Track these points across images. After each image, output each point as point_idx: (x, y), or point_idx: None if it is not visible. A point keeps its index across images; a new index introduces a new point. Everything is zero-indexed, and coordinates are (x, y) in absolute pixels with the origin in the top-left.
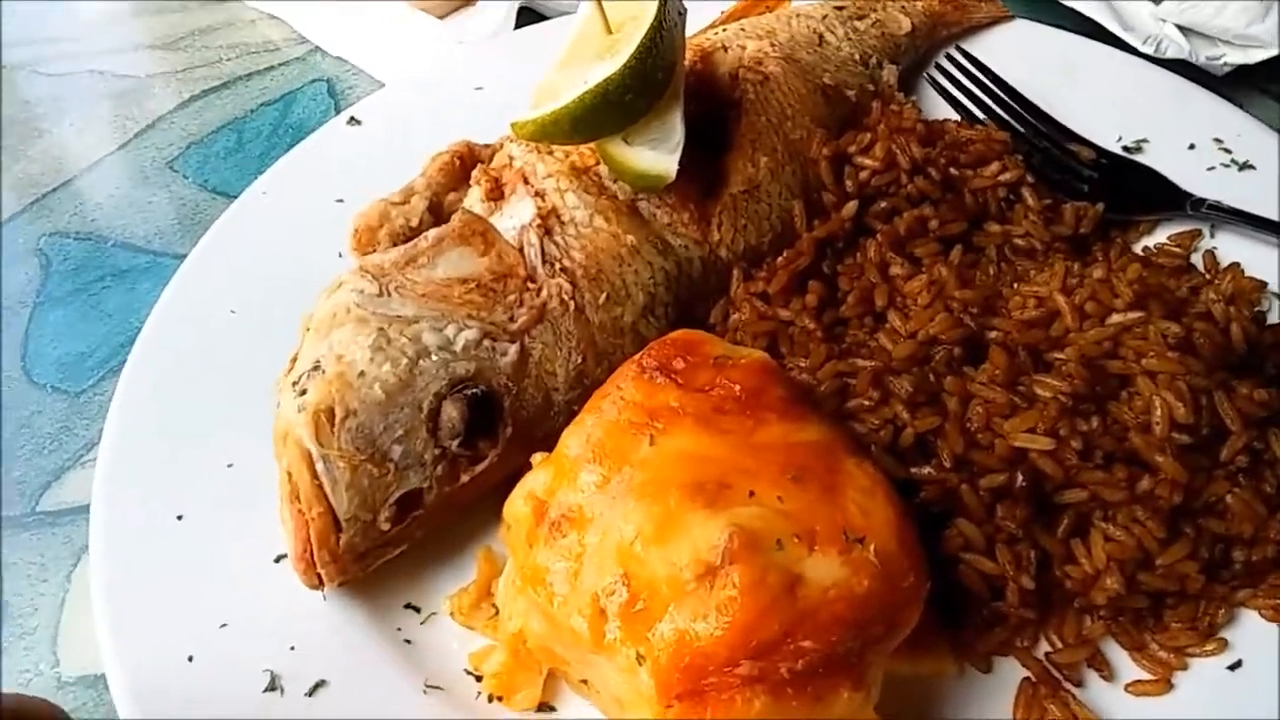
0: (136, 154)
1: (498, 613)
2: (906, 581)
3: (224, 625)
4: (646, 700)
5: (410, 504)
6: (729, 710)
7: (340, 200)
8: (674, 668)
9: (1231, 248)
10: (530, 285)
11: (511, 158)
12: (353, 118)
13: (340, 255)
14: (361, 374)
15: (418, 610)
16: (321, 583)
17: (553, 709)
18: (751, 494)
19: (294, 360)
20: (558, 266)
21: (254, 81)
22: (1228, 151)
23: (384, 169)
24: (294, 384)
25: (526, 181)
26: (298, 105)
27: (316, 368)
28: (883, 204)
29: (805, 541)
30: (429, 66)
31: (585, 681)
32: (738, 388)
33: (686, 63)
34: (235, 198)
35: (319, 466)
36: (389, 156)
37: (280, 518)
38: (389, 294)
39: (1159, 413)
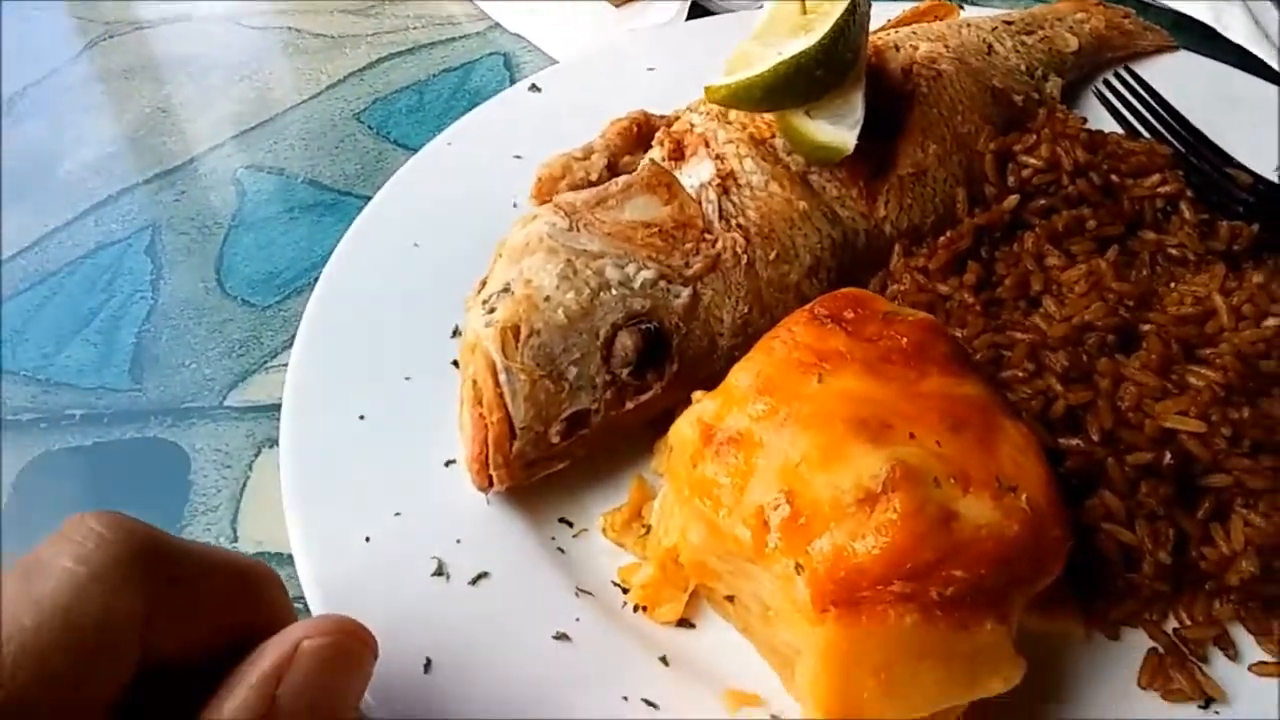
0: (327, 104)
1: (647, 532)
2: (1054, 532)
3: (398, 514)
4: (801, 607)
5: (578, 423)
6: (882, 622)
7: (519, 156)
8: (830, 579)
9: None
10: (707, 236)
11: (692, 125)
12: (534, 85)
13: (515, 205)
14: (548, 298)
15: (570, 524)
16: (491, 484)
17: (692, 625)
18: (912, 435)
19: (483, 282)
20: (734, 222)
21: (436, 50)
22: None
23: (562, 132)
24: (484, 302)
25: (707, 145)
26: (475, 74)
27: (506, 289)
28: (1042, 201)
29: (961, 483)
30: (605, 46)
31: (730, 598)
32: (904, 340)
33: None
34: (415, 150)
35: (502, 377)
36: (567, 121)
37: (459, 422)
38: (578, 229)
39: None
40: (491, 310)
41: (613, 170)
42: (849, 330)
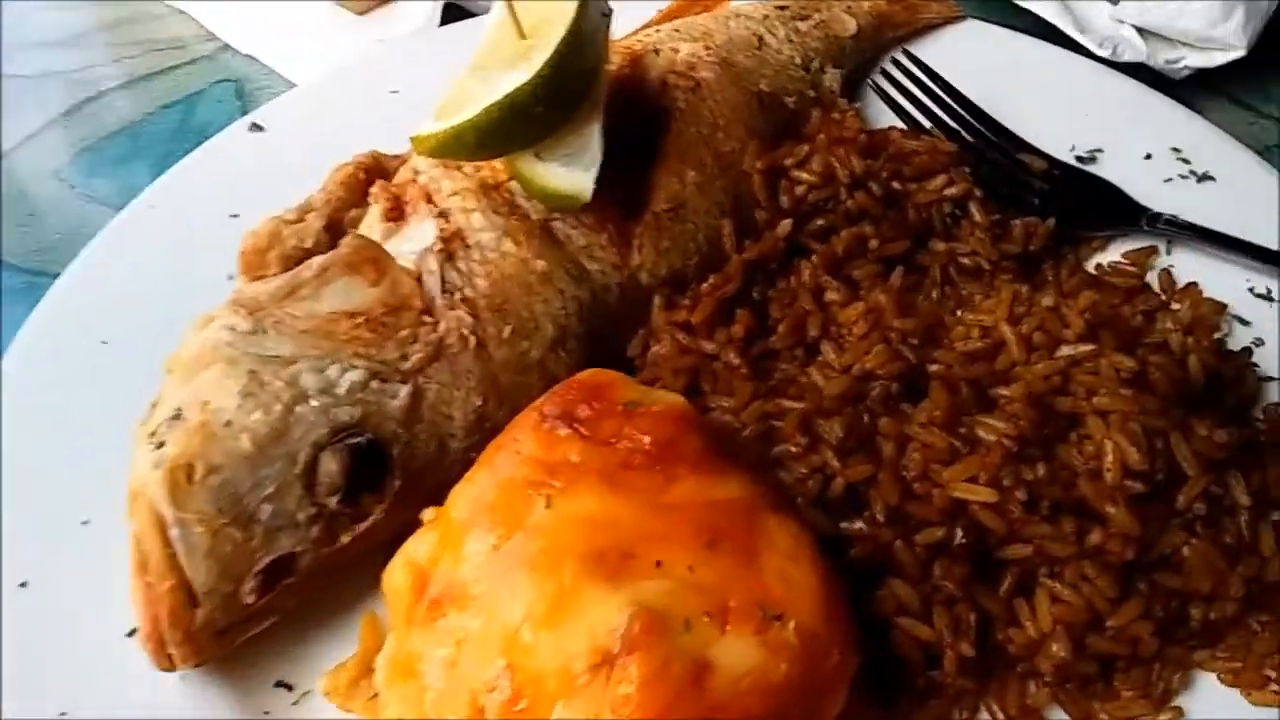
0: (18, 163)
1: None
2: (831, 661)
3: (63, 714)
4: None
5: (280, 571)
6: None
7: (235, 215)
8: None
9: (1189, 265)
10: (427, 319)
11: (416, 172)
12: (255, 124)
13: (230, 278)
14: (228, 423)
15: (290, 688)
16: (173, 663)
17: None
18: (659, 564)
19: (154, 406)
20: (458, 296)
21: (156, 82)
22: (1186, 162)
23: (286, 181)
24: (151, 434)
25: (430, 200)
26: (201, 108)
27: (177, 416)
28: (820, 222)
29: (717, 620)
30: (341, 68)
31: None
32: (647, 440)
33: (613, 67)
34: None
35: (173, 532)
36: (292, 167)
37: (129, 590)
38: (265, 331)
39: (1110, 458)
40: (160, 445)
41: (333, 231)
42: (584, 433)
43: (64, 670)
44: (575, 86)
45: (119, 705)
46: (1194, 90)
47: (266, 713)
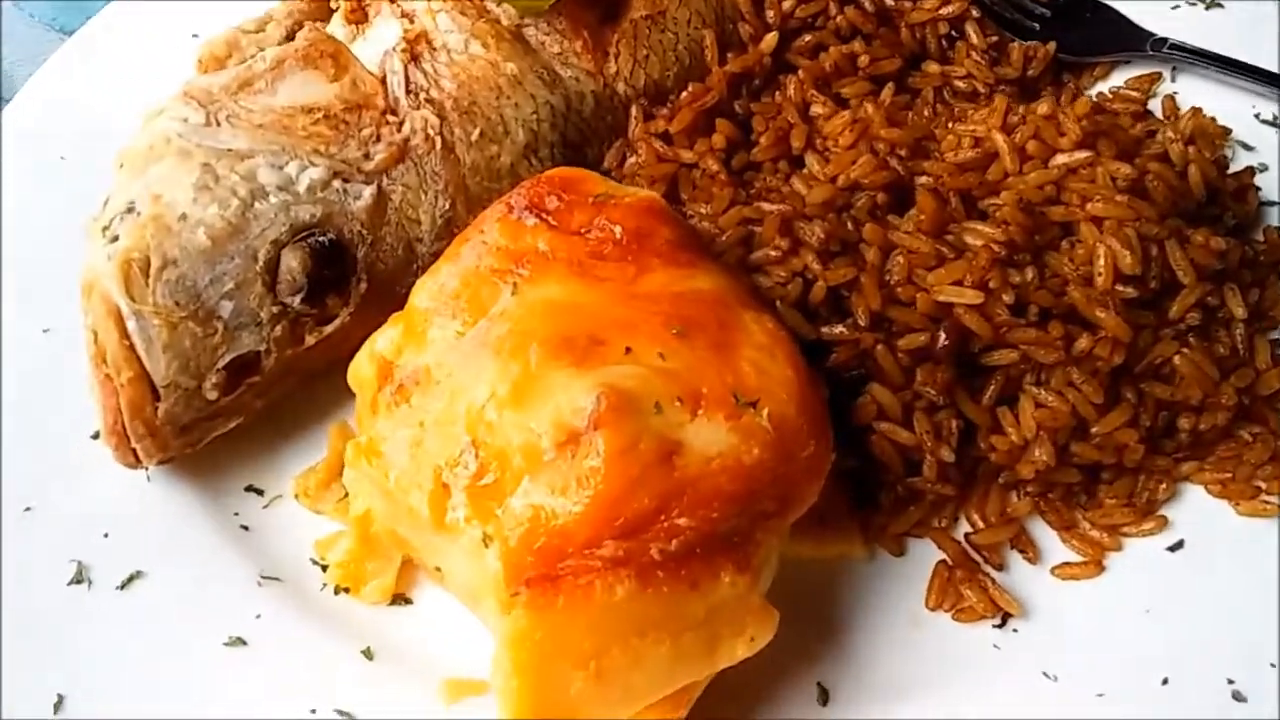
0: None
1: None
2: (805, 450)
3: (28, 509)
4: (493, 586)
5: (245, 370)
6: (586, 597)
7: (196, 35)
8: (526, 549)
9: (1194, 93)
10: (391, 118)
11: None
12: None
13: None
14: (183, 216)
15: (260, 493)
16: (139, 460)
17: (409, 601)
18: (628, 350)
19: (106, 202)
20: (423, 97)
21: None
22: None
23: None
24: (104, 229)
25: (393, 0)
26: None
27: (130, 209)
28: (808, 38)
29: (689, 404)
30: None
31: (439, 569)
32: (618, 229)
33: None
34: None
35: (130, 324)
36: None
37: (89, 385)
38: (218, 123)
39: (1103, 262)
40: (114, 239)
41: None
42: (553, 223)
43: (29, 471)
44: None
45: (86, 504)
46: None
47: (236, 514)
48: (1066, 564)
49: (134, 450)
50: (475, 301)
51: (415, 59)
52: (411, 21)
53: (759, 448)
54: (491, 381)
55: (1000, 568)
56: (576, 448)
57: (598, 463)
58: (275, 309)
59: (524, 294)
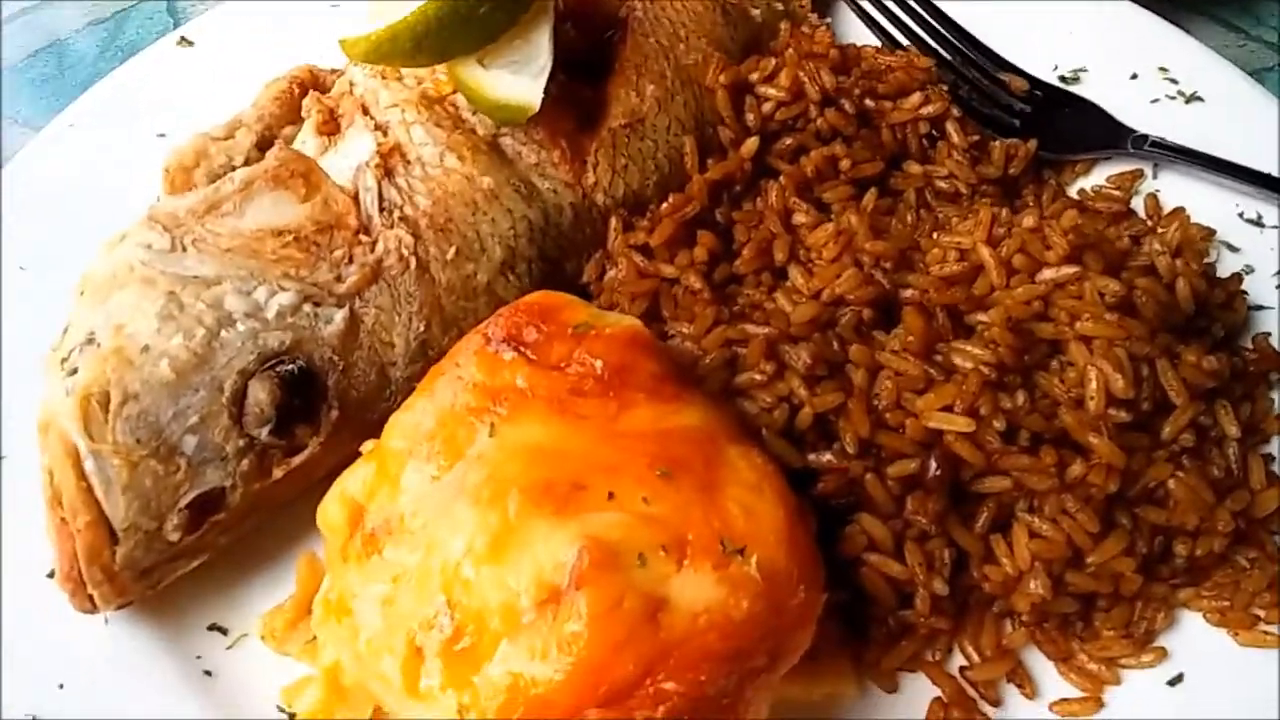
0: None
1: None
2: (796, 598)
3: None
4: None
5: (208, 507)
6: None
7: (162, 135)
8: None
9: (1176, 190)
10: (364, 238)
11: (352, 84)
12: (183, 38)
13: (159, 200)
14: (145, 348)
15: (224, 632)
16: (95, 606)
17: None
18: (611, 495)
19: (65, 331)
20: (397, 215)
21: None
22: (1174, 82)
23: (217, 99)
24: (62, 360)
25: (366, 112)
26: (131, 25)
27: (91, 340)
28: (788, 141)
29: (674, 554)
30: None
31: None
32: (599, 364)
33: None
34: None
35: (88, 464)
36: (224, 84)
37: (45, 527)
38: (184, 249)
39: (1094, 385)
40: (73, 371)
41: (265, 149)
42: (531, 357)
43: None
44: None
45: (40, 648)
46: (1181, 8)
47: (199, 657)
48: (1065, 700)
49: (90, 596)
50: (451, 443)
51: (389, 174)
52: (385, 134)
53: (748, 600)
54: (469, 534)
55: (997, 704)
56: (558, 607)
57: (579, 627)
58: (242, 442)
59: (502, 435)
